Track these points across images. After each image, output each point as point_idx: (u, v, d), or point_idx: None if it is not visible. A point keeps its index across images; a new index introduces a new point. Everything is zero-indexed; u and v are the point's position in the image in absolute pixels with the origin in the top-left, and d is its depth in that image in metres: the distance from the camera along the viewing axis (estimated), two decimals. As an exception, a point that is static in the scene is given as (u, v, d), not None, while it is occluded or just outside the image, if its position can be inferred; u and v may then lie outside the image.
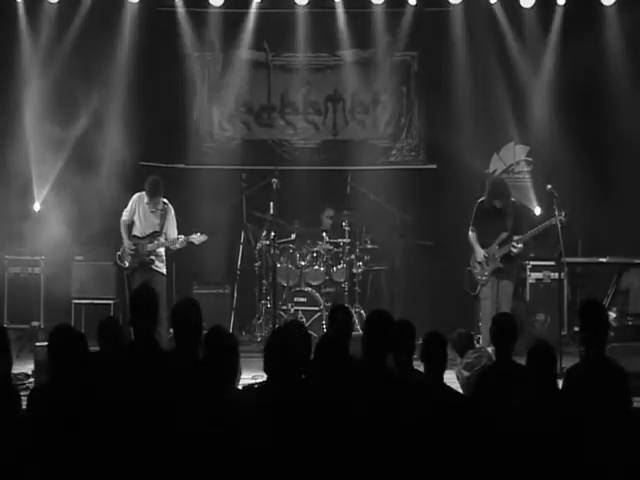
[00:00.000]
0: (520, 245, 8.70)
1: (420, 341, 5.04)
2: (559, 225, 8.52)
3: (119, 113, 10.77)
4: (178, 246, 9.08)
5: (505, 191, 8.87)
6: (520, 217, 8.97)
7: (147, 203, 9.08)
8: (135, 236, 9.13)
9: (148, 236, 9.09)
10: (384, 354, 4.81)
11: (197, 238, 9.07)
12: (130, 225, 9.19)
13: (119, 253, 9.20)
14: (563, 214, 8.47)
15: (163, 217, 9.08)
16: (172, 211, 9.15)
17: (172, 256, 9.47)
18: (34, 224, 10.62)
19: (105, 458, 4.38)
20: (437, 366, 4.84)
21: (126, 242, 9.12)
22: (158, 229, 9.08)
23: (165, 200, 9.12)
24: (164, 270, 9.13)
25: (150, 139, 10.90)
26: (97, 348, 5.78)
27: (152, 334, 5.01)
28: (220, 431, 4.34)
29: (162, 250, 9.12)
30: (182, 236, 9.04)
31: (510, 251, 8.73)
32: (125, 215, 9.19)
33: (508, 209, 8.80)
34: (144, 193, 9.10)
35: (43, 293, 10.47)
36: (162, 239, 9.06)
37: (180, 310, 5.10)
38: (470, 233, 9.05)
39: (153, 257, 9.03)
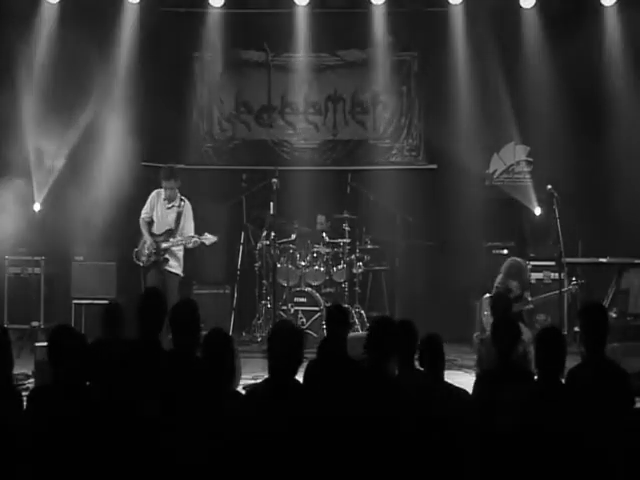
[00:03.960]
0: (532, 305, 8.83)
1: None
2: (559, 227, 8.58)
3: (119, 113, 10.77)
4: (191, 246, 9.03)
5: (523, 275, 8.88)
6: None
7: (164, 199, 9.06)
8: (153, 234, 9.07)
9: (163, 234, 9.03)
10: (386, 359, 4.83)
11: (208, 239, 9.03)
12: (150, 223, 9.10)
13: (136, 250, 9.10)
14: (576, 282, 8.60)
15: (180, 214, 9.03)
16: (189, 208, 9.09)
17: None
18: (34, 224, 10.61)
19: (105, 458, 4.38)
20: (437, 367, 4.87)
21: (149, 240, 8.99)
22: (173, 227, 9.03)
23: (182, 197, 9.10)
24: (179, 270, 9.02)
25: (150, 139, 10.90)
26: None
27: (156, 336, 5.02)
28: (218, 431, 4.34)
29: (180, 249, 9.04)
30: (196, 236, 9.01)
31: (527, 309, 8.77)
32: (144, 213, 9.10)
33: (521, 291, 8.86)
34: (161, 190, 9.07)
35: (43, 293, 10.46)
36: (178, 237, 9.01)
37: (178, 311, 5.10)
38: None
39: (168, 256, 8.97)
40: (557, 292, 8.87)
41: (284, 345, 4.53)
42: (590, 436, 4.47)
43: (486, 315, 9.08)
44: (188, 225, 9.06)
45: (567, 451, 4.42)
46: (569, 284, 8.78)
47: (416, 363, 5.21)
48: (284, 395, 4.50)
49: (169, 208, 9.04)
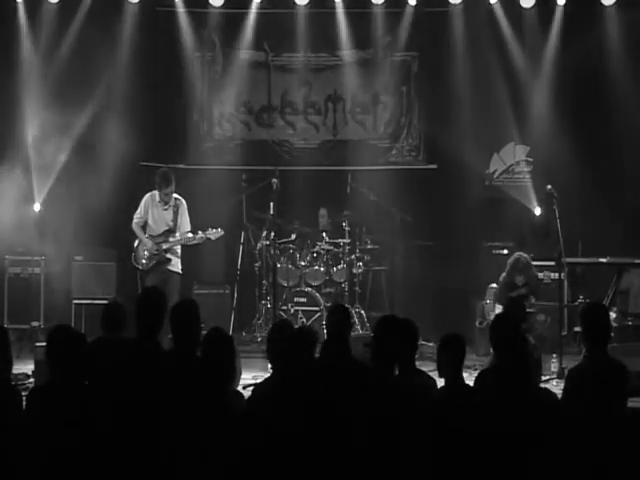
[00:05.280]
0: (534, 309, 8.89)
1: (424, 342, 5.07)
2: (559, 227, 8.60)
3: (119, 113, 10.76)
4: (196, 242, 8.99)
5: (529, 270, 8.91)
6: (537, 287, 9.09)
7: (159, 201, 8.97)
8: (150, 236, 8.97)
9: (161, 235, 8.95)
10: (393, 359, 4.83)
11: (214, 233, 8.97)
12: (143, 226, 9.00)
13: (133, 254, 9.02)
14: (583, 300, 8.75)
15: (176, 213, 8.92)
16: (184, 205, 8.99)
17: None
18: (34, 224, 10.60)
19: (104, 457, 4.38)
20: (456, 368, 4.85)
21: (149, 243, 8.88)
22: (171, 226, 8.95)
23: (177, 195, 9.02)
24: (179, 268, 8.92)
25: (150, 139, 10.90)
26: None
27: (156, 336, 5.02)
28: (217, 430, 4.35)
29: (178, 247, 8.96)
30: (200, 232, 8.95)
31: (529, 311, 8.79)
32: (137, 217, 8.99)
33: (526, 286, 8.86)
34: (155, 192, 8.96)
35: (43, 293, 10.46)
36: (178, 236, 8.91)
37: (178, 311, 5.10)
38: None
39: (170, 255, 8.89)
40: (562, 304, 8.99)
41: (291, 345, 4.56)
42: (591, 436, 4.47)
43: (488, 303, 9.13)
44: (185, 222, 9.01)
45: (567, 450, 4.42)
46: (577, 299, 8.87)
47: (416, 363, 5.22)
48: (287, 394, 4.50)
49: (165, 209, 8.99)
